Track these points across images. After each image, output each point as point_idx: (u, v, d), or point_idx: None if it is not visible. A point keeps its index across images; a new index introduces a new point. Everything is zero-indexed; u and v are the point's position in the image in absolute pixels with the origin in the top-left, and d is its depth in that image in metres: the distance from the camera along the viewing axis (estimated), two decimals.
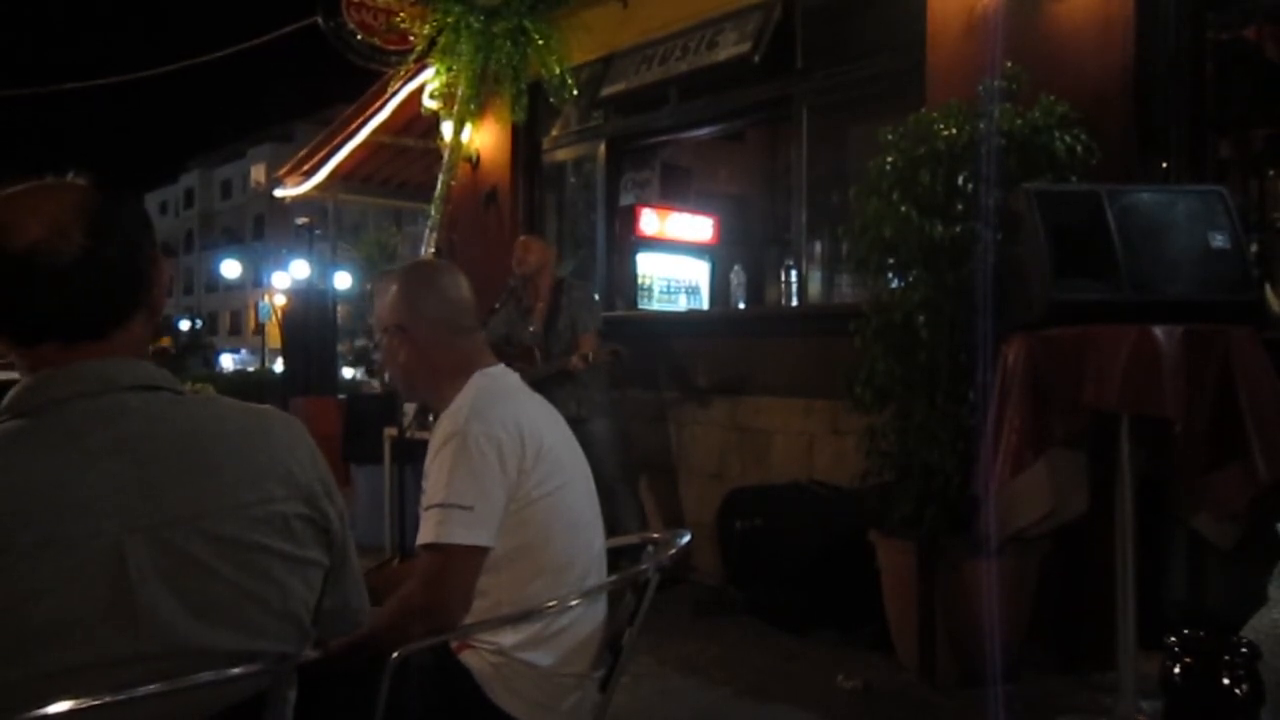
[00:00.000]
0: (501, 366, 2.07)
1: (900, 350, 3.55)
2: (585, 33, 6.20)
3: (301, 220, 15.68)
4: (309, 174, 8.54)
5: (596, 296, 5.35)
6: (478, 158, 7.03)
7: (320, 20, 7.13)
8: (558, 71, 6.20)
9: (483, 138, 7.00)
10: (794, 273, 5.45)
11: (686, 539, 2.01)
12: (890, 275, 3.67)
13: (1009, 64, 3.63)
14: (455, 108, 6.58)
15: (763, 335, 5.25)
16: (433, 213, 6.72)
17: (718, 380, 5.25)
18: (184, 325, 46.07)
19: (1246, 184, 3.94)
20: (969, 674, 3.39)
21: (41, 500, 1.10)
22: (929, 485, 3.49)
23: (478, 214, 6.97)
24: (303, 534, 1.25)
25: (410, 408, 4.88)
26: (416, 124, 7.74)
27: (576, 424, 2.51)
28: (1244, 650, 2.35)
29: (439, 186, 6.71)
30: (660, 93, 5.93)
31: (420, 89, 7.02)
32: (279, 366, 14.71)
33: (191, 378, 14.78)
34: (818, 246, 6.05)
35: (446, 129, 6.80)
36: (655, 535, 2.25)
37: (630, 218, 6.60)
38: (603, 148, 6.44)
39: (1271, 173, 3.96)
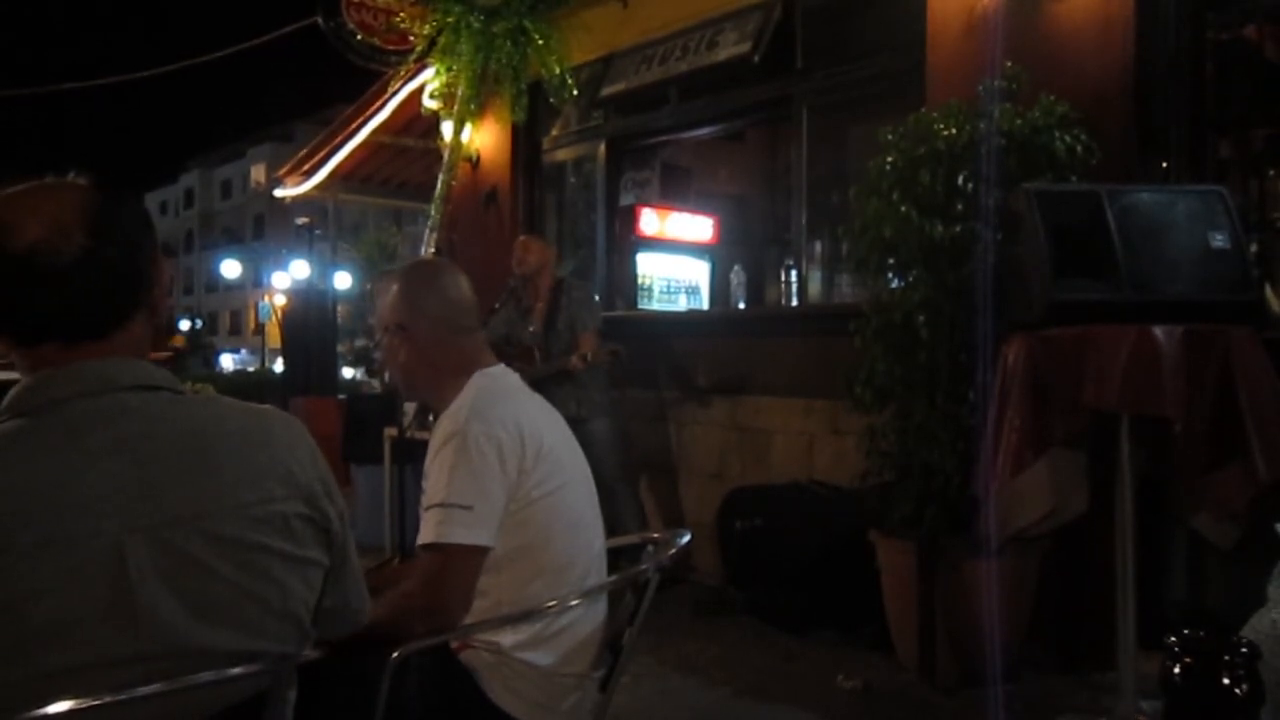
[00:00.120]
0: (502, 366, 2.07)
1: (900, 350, 3.55)
2: (585, 33, 6.20)
3: (301, 220, 15.66)
4: (309, 174, 8.54)
5: (596, 296, 5.35)
6: (478, 158, 7.03)
7: (320, 20, 7.13)
8: (558, 71, 6.20)
9: (483, 138, 6.99)
10: (794, 273, 5.45)
11: (686, 539, 2.01)
12: (890, 275, 3.67)
13: (1009, 64, 3.63)
14: (455, 108, 6.59)
15: (763, 335, 5.24)
16: (433, 213, 6.72)
17: (718, 380, 5.25)
18: (184, 325, 46.03)
19: (1246, 184, 3.94)
20: (969, 674, 3.39)
21: (41, 500, 1.10)
22: (929, 485, 3.49)
23: (478, 214, 6.97)
24: (303, 534, 1.25)
25: (410, 407, 4.88)
26: (416, 124, 7.74)
27: (576, 424, 2.51)
28: (1244, 650, 2.36)
29: (439, 186, 6.71)
30: (660, 93, 5.93)
31: (420, 89, 7.02)
32: (279, 366, 14.72)
33: (191, 378, 14.74)
34: (818, 246, 6.03)
35: (446, 129, 6.80)
36: (655, 535, 2.25)
37: (630, 218, 6.60)
38: (603, 148, 6.44)
39: (1271, 173, 3.95)
